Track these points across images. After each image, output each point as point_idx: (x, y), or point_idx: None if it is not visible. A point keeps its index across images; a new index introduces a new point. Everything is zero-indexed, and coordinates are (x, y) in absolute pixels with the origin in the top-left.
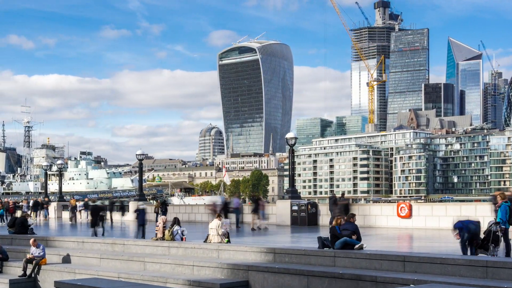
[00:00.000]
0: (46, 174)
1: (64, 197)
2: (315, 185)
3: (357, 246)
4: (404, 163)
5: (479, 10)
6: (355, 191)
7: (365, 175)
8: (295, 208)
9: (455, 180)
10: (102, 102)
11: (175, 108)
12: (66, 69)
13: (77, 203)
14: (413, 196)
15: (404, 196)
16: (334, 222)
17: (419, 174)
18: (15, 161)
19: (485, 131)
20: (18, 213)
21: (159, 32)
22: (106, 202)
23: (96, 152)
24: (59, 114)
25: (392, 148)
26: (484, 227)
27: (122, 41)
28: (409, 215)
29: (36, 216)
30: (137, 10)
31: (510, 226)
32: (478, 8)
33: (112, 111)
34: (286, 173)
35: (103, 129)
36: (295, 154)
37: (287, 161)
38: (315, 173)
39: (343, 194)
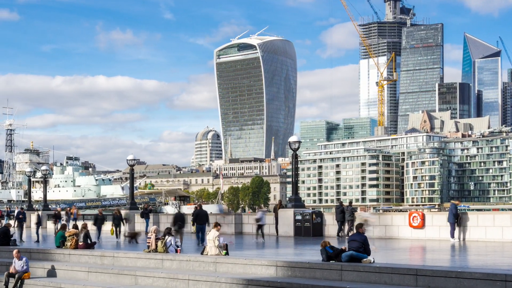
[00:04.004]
0: (29, 181)
1: (49, 206)
2: (320, 193)
3: (364, 260)
4: (416, 169)
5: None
6: (363, 199)
7: (375, 182)
8: (299, 217)
9: (472, 187)
10: (161, 105)
11: None
12: (143, 73)
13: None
14: (426, 205)
15: (416, 205)
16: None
17: (433, 181)
18: None
19: (504, 134)
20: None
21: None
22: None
23: (122, 157)
24: (114, 117)
25: (403, 153)
26: None
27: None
28: (422, 225)
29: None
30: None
31: None
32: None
33: (170, 115)
34: (289, 179)
35: (148, 133)
36: (298, 159)
37: (290, 166)
38: (320, 180)
39: (350, 202)
